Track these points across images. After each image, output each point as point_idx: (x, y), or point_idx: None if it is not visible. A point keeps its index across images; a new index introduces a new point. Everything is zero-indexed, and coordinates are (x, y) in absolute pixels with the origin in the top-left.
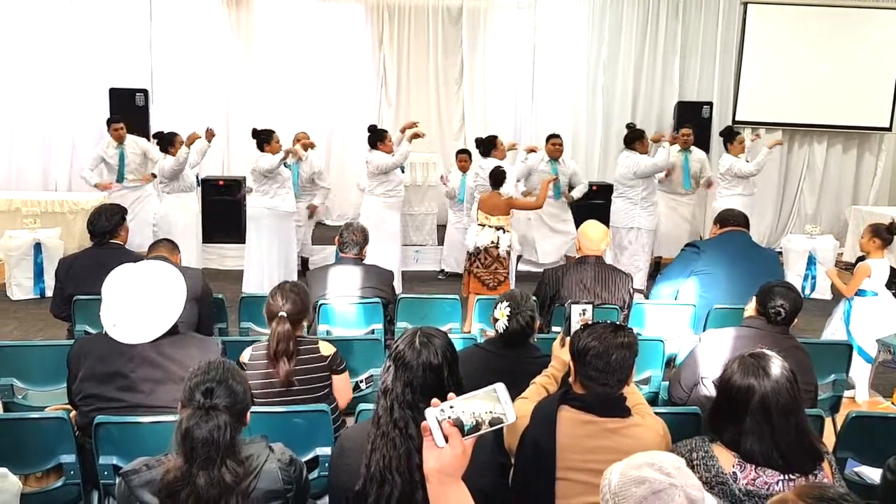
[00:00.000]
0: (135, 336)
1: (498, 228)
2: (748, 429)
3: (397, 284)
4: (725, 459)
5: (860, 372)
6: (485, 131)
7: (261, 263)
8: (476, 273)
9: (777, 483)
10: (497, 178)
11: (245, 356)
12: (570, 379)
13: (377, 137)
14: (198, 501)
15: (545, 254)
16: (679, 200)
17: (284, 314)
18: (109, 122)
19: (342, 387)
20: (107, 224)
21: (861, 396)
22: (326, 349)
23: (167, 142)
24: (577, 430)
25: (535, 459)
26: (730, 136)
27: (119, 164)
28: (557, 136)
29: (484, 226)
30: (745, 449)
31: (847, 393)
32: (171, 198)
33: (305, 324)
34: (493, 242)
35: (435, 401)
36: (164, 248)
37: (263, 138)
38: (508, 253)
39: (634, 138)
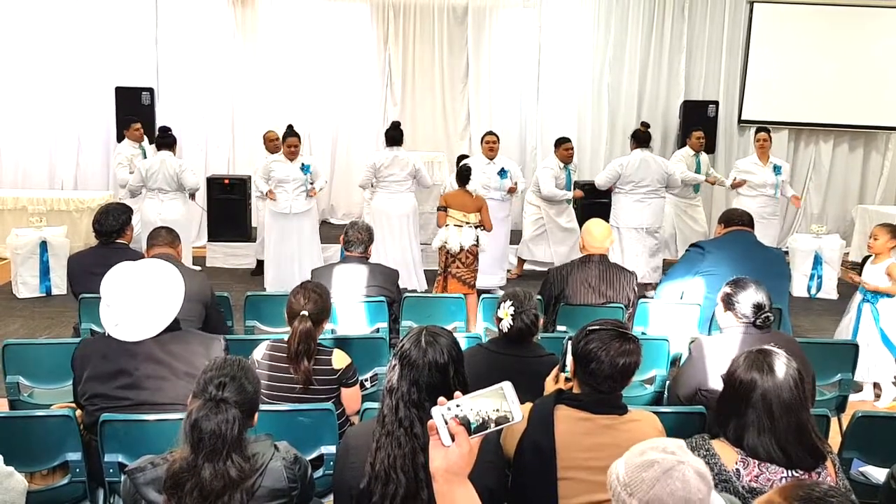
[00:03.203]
0: (137, 333)
1: (477, 226)
2: (749, 422)
3: (422, 280)
4: (728, 456)
5: (888, 373)
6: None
7: (278, 263)
8: (456, 274)
9: (780, 480)
10: (464, 174)
11: (258, 353)
12: (569, 375)
13: (403, 135)
14: (202, 493)
15: (559, 255)
16: (687, 203)
17: (306, 313)
18: (128, 126)
19: (351, 398)
20: (114, 224)
21: (888, 398)
22: (339, 361)
23: (173, 141)
24: (574, 427)
25: (536, 461)
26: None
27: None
28: (569, 140)
29: (461, 225)
30: (747, 444)
31: (856, 396)
32: (164, 196)
33: (326, 326)
34: (476, 242)
35: (441, 399)
36: (164, 239)
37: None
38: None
39: (650, 138)
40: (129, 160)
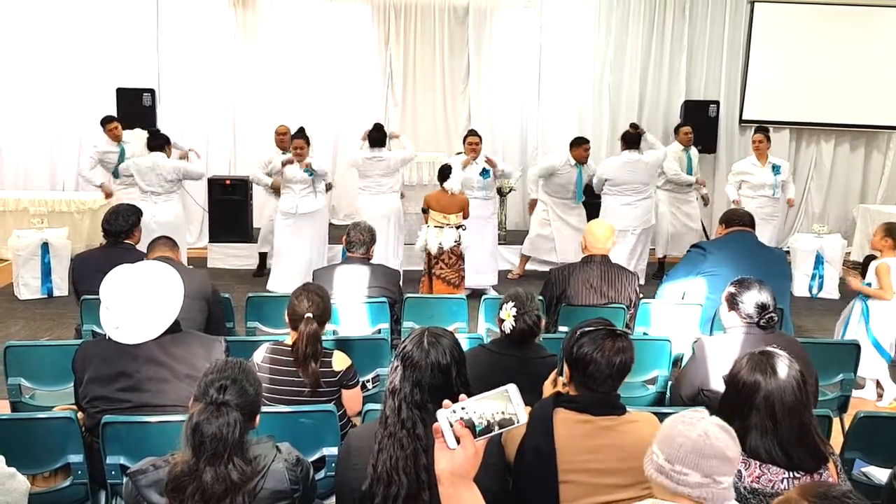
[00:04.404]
0: (137, 336)
1: (458, 227)
2: (752, 424)
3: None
4: None
5: (882, 372)
6: (491, 131)
7: (286, 263)
8: (440, 274)
9: (782, 481)
10: (442, 173)
11: (258, 356)
12: (565, 380)
13: (385, 136)
14: (203, 497)
15: (564, 252)
16: (680, 198)
17: (311, 315)
18: (104, 123)
19: (352, 399)
20: (123, 224)
21: (889, 396)
22: (340, 363)
23: (165, 142)
24: (574, 430)
25: (537, 465)
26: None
27: (118, 162)
28: (587, 142)
29: (442, 226)
30: (749, 445)
31: (859, 393)
32: (157, 198)
33: (331, 328)
34: (457, 242)
35: (446, 402)
36: (165, 246)
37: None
38: (465, 249)
39: (639, 139)
40: (99, 157)
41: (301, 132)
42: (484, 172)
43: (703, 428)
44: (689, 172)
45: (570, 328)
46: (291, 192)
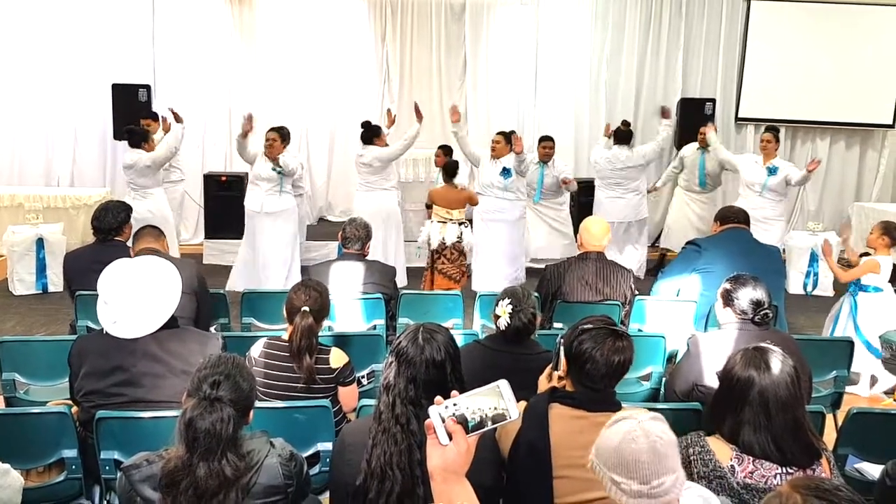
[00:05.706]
0: (135, 330)
1: (461, 223)
2: (746, 419)
3: (402, 279)
4: (722, 453)
5: (869, 368)
6: (487, 127)
7: (246, 263)
8: (442, 269)
9: (775, 476)
10: (451, 169)
11: (255, 351)
12: (561, 373)
13: (373, 133)
14: (196, 492)
15: (538, 250)
16: (693, 197)
17: (307, 309)
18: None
19: (347, 396)
20: (113, 221)
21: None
22: (337, 360)
23: (141, 138)
24: (569, 425)
25: (531, 460)
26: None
27: None
28: (549, 139)
29: (445, 222)
30: (742, 440)
31: (852, 389)
32: (135, 193)
33: (326, 324)
34: (458, 237)
35: (438, 398)
36: (150, 236)
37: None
38: (467, 245)
39: (630, 136)
40: None
41: (277, 126)
42: (505, 172)
43: (650, 434)
44: (701, 175)
45: (566, 325)
46: (258, 188)
